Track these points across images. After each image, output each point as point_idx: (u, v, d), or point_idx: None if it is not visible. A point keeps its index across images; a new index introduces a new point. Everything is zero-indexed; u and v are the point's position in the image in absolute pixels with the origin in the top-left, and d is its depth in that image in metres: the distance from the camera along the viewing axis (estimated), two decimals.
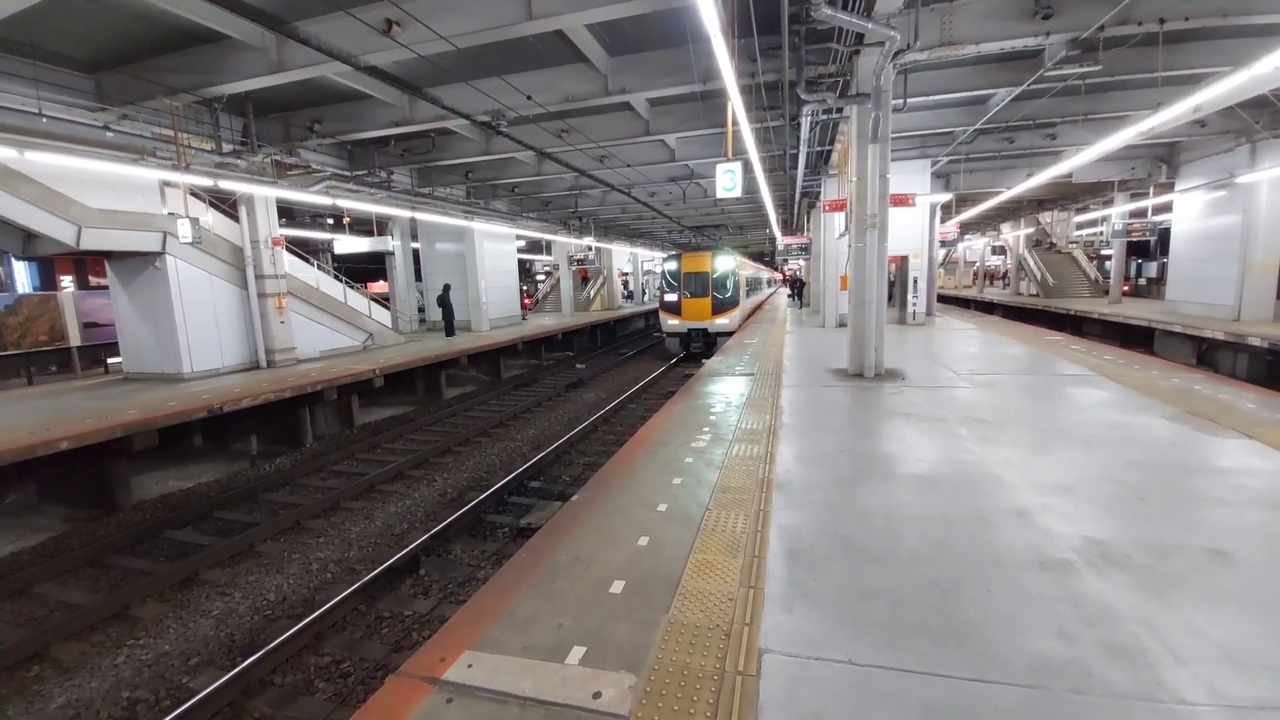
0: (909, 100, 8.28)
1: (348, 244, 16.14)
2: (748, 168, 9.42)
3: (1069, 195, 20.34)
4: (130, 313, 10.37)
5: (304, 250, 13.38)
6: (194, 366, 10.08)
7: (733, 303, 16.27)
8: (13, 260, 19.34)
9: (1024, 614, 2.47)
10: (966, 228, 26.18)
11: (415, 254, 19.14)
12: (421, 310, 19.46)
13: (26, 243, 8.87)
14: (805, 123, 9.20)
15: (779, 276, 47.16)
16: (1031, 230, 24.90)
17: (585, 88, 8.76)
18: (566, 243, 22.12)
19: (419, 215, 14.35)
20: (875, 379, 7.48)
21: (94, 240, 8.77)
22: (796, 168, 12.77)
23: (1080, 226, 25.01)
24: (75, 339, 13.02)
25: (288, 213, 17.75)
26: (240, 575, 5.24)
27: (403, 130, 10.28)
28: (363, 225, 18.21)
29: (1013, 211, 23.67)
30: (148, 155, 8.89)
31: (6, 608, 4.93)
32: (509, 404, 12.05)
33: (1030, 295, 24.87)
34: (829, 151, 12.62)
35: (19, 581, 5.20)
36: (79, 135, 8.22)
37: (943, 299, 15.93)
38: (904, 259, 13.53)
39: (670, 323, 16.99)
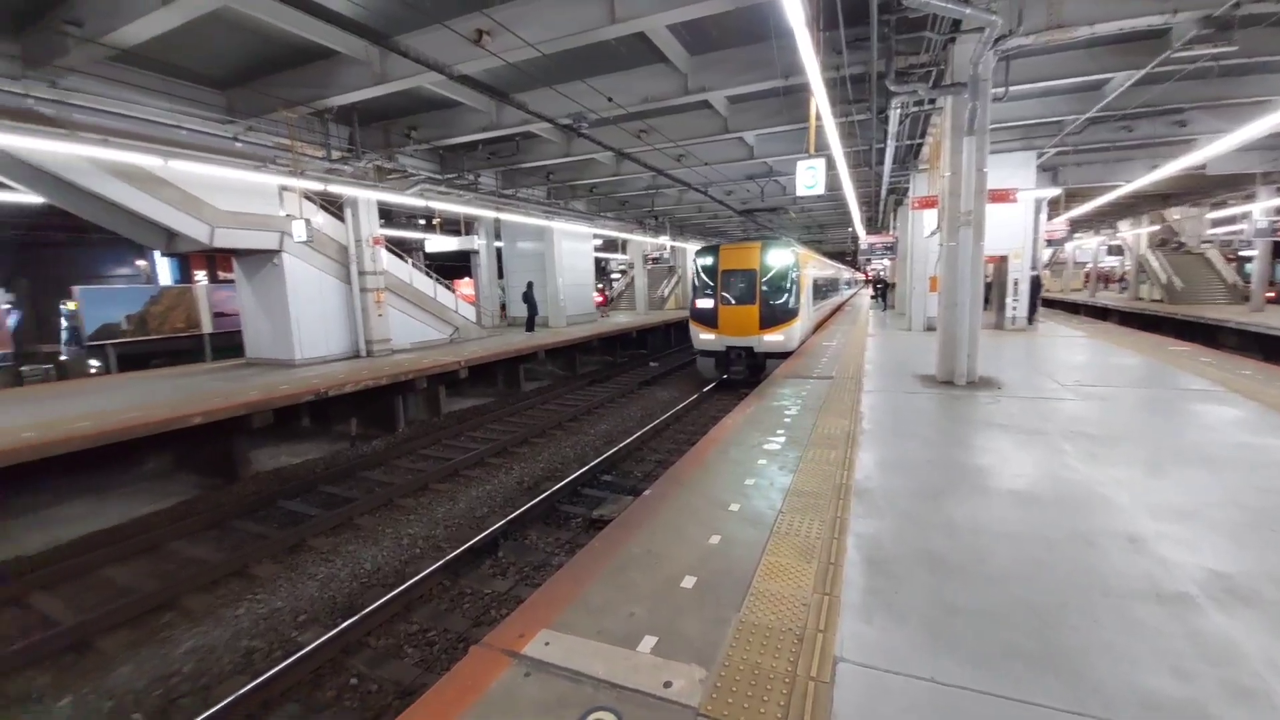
0: (1011, 89, 7.69)
1: (438, 243, 17.17)
2: (830, 164, 9.13)
3: (1201, 189, 18.12)
4: (252, 304, 11.58)
5: (399, 249, 14.36)
6: (304, 354, 11.10)
7: (790, 312, 11.81)
8: (155, 256, 22.15)
9: (1134, 647, 2.26)
10: (1077, 225, 23.89)
11: (498, 252, 20.03)
12: (503, 306, 20.35)
13: (169, 240, 10.10)
14: (894, 116, 8.78)
15: (861, 277, 45.24)
16: (1156, 228, 22.35)
17: (664, 87, 8.82)
18: (642, 241, 22.34)
19: (503, 215, 14.99)
20: (967, 387, 7.03)
21: (223, 239, 9.85)
22: (883, 163, 12.20)
23: (1216, 224, 22.18)
24: (207, 327, 14.68)
25: (385, 214, 19.10)
26: (341, 544, 5.74)
27: (490, 135, 10.80)
28: (451, 225, 19.32)
29: (1131, 207, 21.37)
30: (269, 162, 9.88)
31: (144, 561, 5.66)
32: (583, 399, 12.36)
33: (1152, 300, 22.35)
34: (919, 145, 11.96)
35: (155, 539, 5.96)
36: (212, 145, 9.25)
37: (1048, 303, 14.00)
38: (1003, 259, 12.57)
39: (702, 337, 12.59)
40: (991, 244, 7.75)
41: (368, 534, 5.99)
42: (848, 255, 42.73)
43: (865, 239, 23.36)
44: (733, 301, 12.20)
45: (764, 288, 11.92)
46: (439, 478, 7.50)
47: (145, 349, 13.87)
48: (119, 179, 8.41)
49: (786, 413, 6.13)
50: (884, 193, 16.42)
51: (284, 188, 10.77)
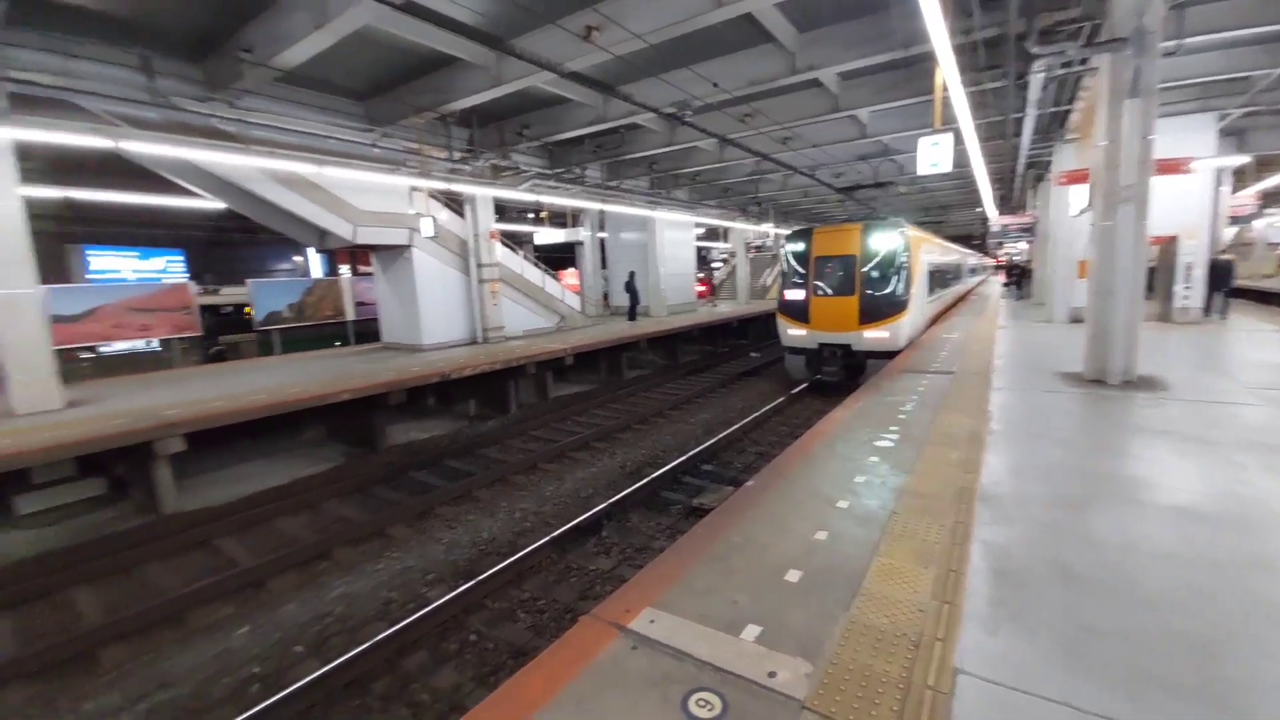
0: (1185, 41, 6.57)
1: (546, 235, 17.96)
2: (957, 138, 8.37)
3: None
4: (387, 294, 12.86)
5: (511, 241, 15.23)
6: (429, 340, 12.16)
7: (897, 304, 10.22)
8: (310, 253, 25.25)
9: None
10: (1269, 199, 19.96)
11: (602, 243, 20.58)
12: (605, 296, 20.91)
13: (321, 238, 11.44)
14: (1035, 81, 7.84)
15: (990, 262, 41.11)
16: None
17: (771, 68, 8.54)
18: (744, 229, 21.90)
19: (607, 207, 15.37)
20: (1122, 387, 6.19)
21: (364, 236, 11.00)
22: (1020, 135, 10.94)
23: None
24: (350, 314, 16.53)
25: (499, 209, 20.32)
26: (462, 514, 6.28)
27: (596, 129, 11.09)
28: (558, 218, 20.12)
29: None
30: (400, 165, 10.87)
31: (305, 515, 6.54)
32: (683, 388, 12.43)
33: None
34: (1065, 112, 10.59)
35: (313, 498, 6.86)
36: (354, 152, 10.33)
37: (1232, 292, 11.68)
38: (1171, 240, 10.84)
39: (792, 333, 11.31)
40: (1158, 222, 6.71)
41: (485, 506, 6.50)
42: (975, 239, 38.97)
43: (997, 220, 21.15)
44: (828, 292, 10.82)
45: (865, 276, 10.41)
46: (547, 458, 7.93)
47: (302, 333, 15.92)
48: (282, 185, 9.66)
49: (901, 409, 5.77)
50: (1021, 168, 14.74)
51: (413, 188, 11.80)
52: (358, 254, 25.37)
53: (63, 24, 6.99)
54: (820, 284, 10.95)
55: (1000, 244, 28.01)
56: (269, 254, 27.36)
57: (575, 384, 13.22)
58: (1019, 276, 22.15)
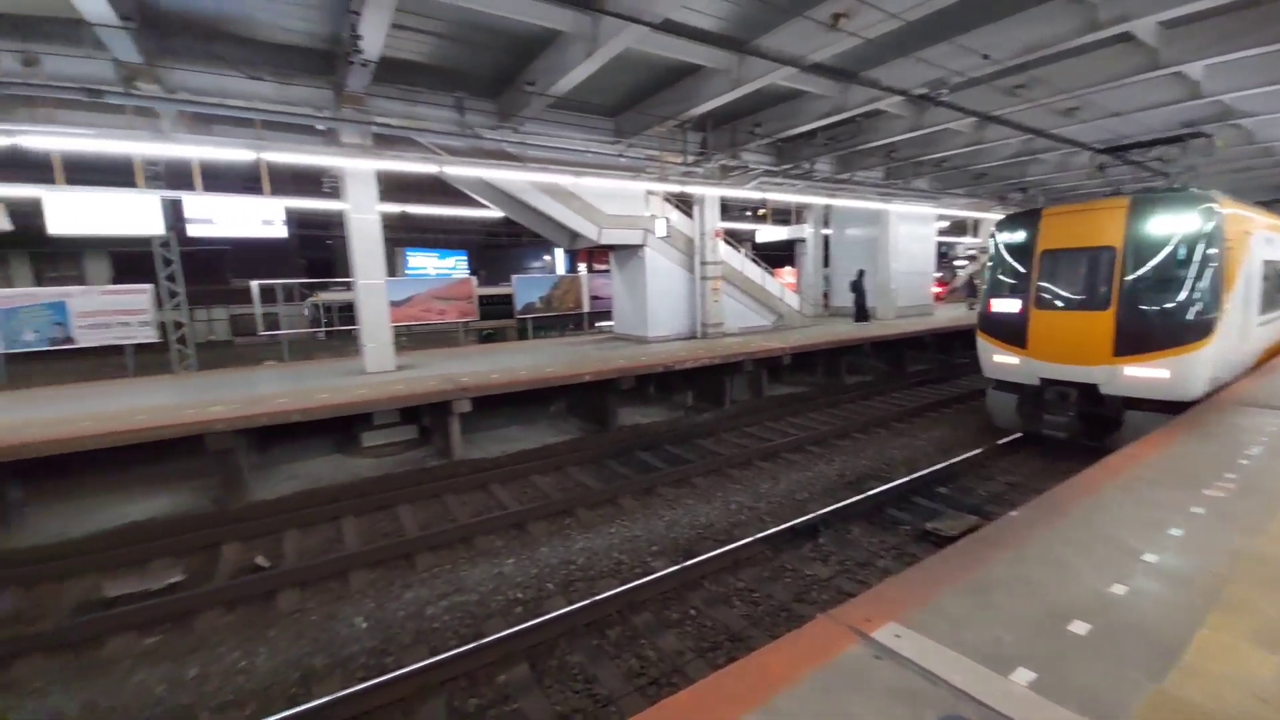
0: None
1: (767, 233, 17.83)
2: None
3: None
4: (621, 289, 14.17)
5: (733, 239, 15.49)
6: (654, 333, 13.08)
7: (1193, 325, 6.52)
8: (557, 253, 29.06)
9: None
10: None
11: (825, 240, 19.67)
12: (826, 295, 19.97)
13: (571, 240, 13.08)
14: None
15: None
16: None
17: (1061, 28, 7.17)
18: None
19: (835, 201, 14.64)
20: None
21: (607, 237, 12.27)
22: None
23: None
24: (586, 306, 18.70)
25: (723, 208, 20.82)
26: (681, 497, 6.68)
27: (831, 120, 10.62)
28: (781, 215, 19.78)
29: None
30: (640, 171, 11.85)
31: (553, 476, 7.61)
32: (911, 399, 11.29)
33: None
34: None
35: (559, 461, 7.95)
36: (603, 162, 11.56)
37: None
38: None
39: (998, 359, 8.09)
40: None
41: (702, 492, 6.81)
42: None
43: None
44: (1061, 303, 7.43)
45: (1133, 278, 6.84)
46: (761, 455, 7.95)
47: (548, 321, 18.51)
48: (547, 194, 11.30)
49: (1246, 452, 4.43)
50: None
51: (649, 192, 12.76)
52: (594, 253, 28.45)
53: (407, 78, 9.16)
54: (1050, 289, 7.55)
55: None
56: (526, 254, 32.44)
57: (791, 385, 12.94)
58: None
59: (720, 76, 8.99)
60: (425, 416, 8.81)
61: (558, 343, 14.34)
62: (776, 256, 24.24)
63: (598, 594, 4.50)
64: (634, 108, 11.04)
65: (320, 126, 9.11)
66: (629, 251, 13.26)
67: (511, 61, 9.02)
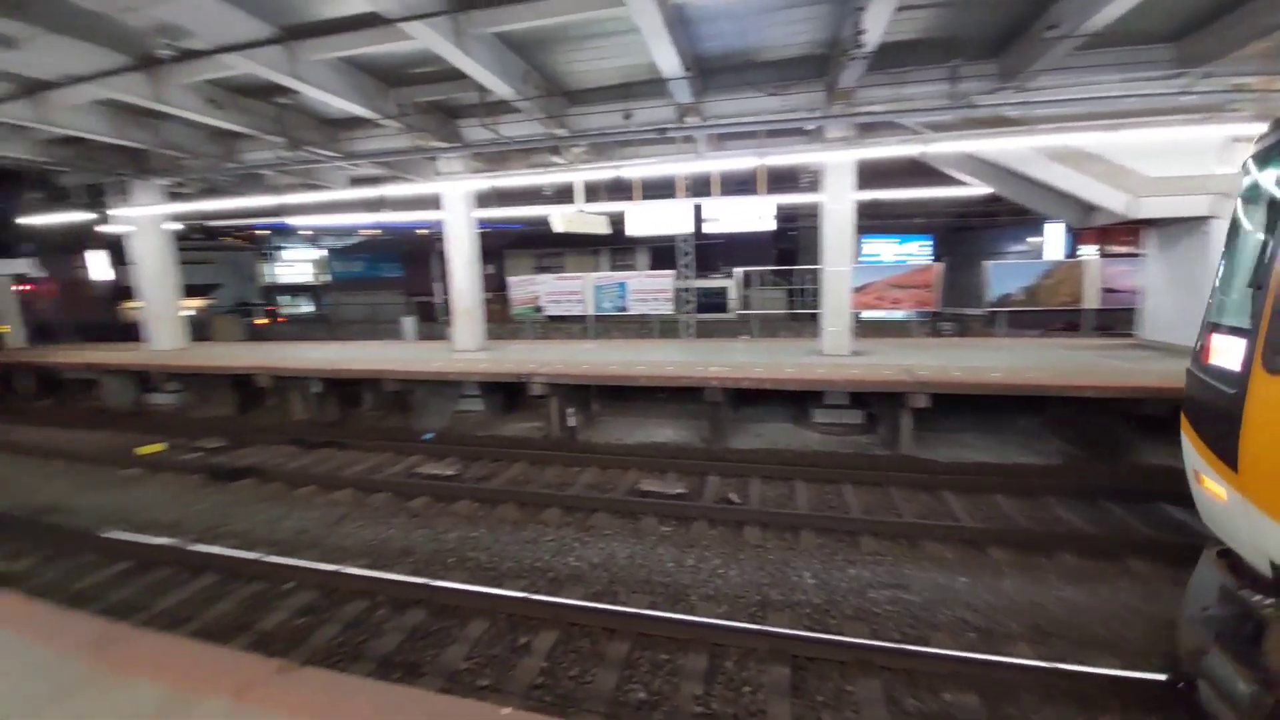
0: None
1: None
2: None
3: None
4: (1160, 280, 10.42)
5: None
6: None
7: None
8: (1046, 232, 23.58)
9: None
10: None
11: None
12: None
13: (1083, 215, 10.37)
14: None
15: None
16: None
17: None
18: None
19: None
20: None
21: (1144, 208, 9.17)
22: None
23: None
24: (1089, 302, 14.50)
25: None
26: None
27: None
28: None
29: None
30: (1218, 110, 8.25)
31: (1022, 503, 6.36)
32: None
33: None
34: None
35: (1030, 487, 6.60)
36: (1155, 107, 8.55)
37: None
38: None
39: (1211, 488, 2.74)
40: None
41: None
42: None
43: None
44: None
45: None
46: None
47: (1028, 317, 15.38)
48: (1055, 161, 9.24)
49: None
50: None
51: (1234, 138, 8.82)
52: (1108, 233, 21.81)
53: (896, 59, 8.91)
54: None
55: None
56: (1004, 236, 27.60)
57: None
58: None
59: None
60: (873, 404, 8.80)
61: (1041, 343, 11.82)
62: None
63: (1086, 665, 3.61)
64: (1208, 28, 7.77)
65: (809, 126, 9.99)
66: (1182, 227, 9.58)
67: (1027, 7, 7.68)
